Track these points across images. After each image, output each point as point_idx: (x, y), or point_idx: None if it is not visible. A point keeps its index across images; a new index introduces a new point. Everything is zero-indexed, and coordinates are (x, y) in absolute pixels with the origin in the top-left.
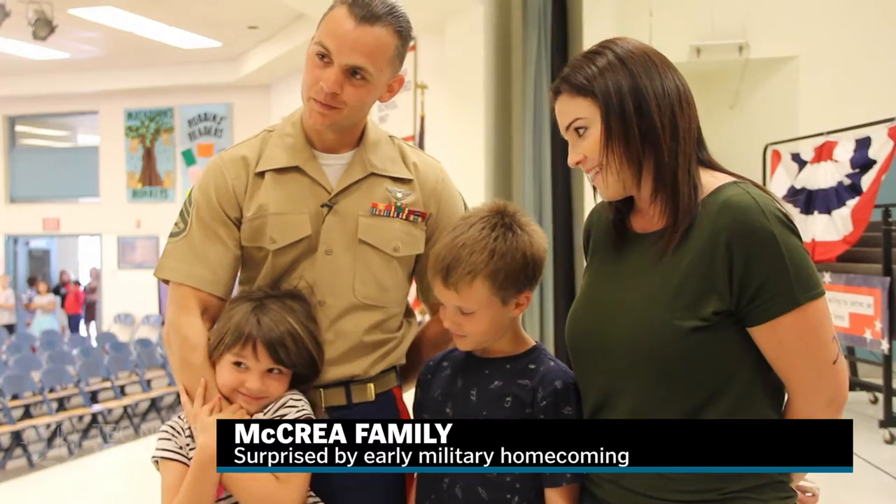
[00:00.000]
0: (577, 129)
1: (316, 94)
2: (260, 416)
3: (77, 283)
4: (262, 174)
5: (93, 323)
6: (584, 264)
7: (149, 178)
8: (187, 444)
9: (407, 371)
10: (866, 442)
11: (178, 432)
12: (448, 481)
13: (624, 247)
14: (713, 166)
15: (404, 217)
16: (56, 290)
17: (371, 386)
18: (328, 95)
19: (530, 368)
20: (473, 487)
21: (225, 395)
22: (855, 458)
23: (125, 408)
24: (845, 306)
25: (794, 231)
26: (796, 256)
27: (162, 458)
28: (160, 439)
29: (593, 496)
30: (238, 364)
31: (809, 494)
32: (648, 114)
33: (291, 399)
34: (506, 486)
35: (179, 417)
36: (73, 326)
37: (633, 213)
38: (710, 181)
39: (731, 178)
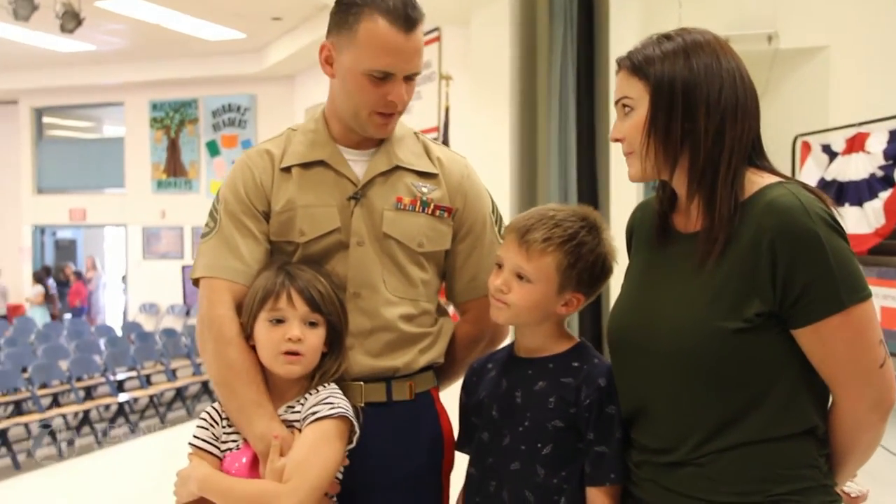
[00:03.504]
0: (624, 107)
1: (384, 108)
2: (300, 407)
3: (78, 275)
4: (288, 170)
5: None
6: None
7: (173, 168)
8: (224, 433)
9: (441, 371)
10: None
11: (216, 422)
12: (495, 484)
13: (666, 245)
14: (762, 167)
15: (430, 212)
16: (65, 282)
17: (411, 384)
18: (399, 105)
19: (574, 366)
20: (520, 490)
21: (267, 367)
22: (888, 455)
23: (151, 397)
24: (877, 300)
25: (841, 232)
26: (842, 258)
27: (196, 447)
28: (198, 426)
29: (633, 496)
30: (275, 322)
31: (856, 495)
32: (694, 115)
33: (332, 396)
34: (553, 489)
35: (218, 405)
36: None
37: (675, 211)
38: (755, 181)
39: (777, 179)
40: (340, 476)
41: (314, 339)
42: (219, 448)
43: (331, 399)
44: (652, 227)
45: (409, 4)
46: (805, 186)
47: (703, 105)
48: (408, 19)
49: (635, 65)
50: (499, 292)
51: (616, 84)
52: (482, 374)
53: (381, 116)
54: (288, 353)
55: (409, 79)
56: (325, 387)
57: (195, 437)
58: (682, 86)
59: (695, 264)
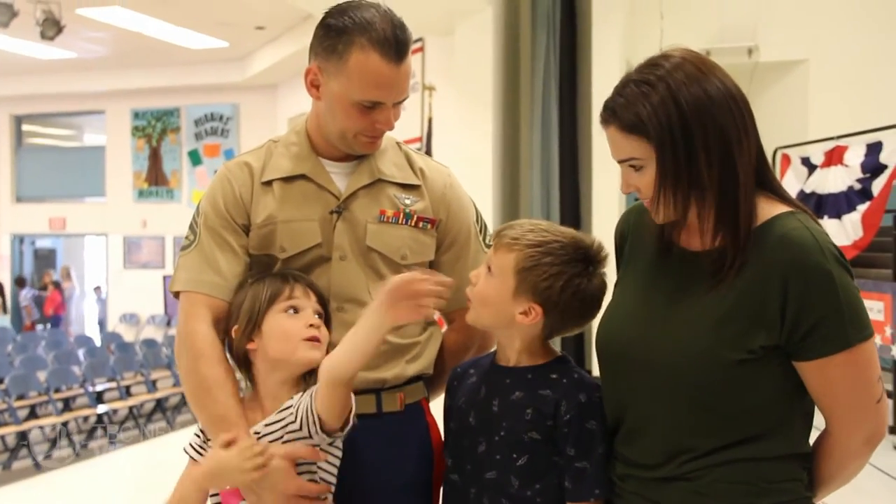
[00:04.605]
0: (631, 166)
1: (372, 132)
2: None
3: (56, 284)
4: (269, 183)
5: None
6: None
7: (155, 178)
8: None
9: (430, 381)
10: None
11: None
12: (475, 491)
13: (669, 260)
14: (771, 191)
15: (413, 224)
16: (45, 288)
17: (401, 396)
18: (387, 129)
19: (552, 378)
20: (498, 499)
21: (285, 361)
22: (868, 467)
23: (130, 408)
24: None
25: (849, 270)
26: (851, 297)
27: (189, 454)
28: (195, 434)
29: None
30: (293, 311)
31: None
32: (697, 163)
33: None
34: (526, 501)
35: None
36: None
37: (680, 227)
38: (764, 208)
39: (787, 208)
40: (334, 484)
41: (325, 331)
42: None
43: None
44: (652, 237)
45: (398, 27)
46: (812, 216)
47: (704, 147)
48: (398, 48)
49: (629, 125)
50: (469, 284)
51: (610, 141)
52: (463, 378)
53: (367, 137)
54: (310, 339)
55: (398, 103)
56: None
57: (190, 443)
58: (683, 135)
59: (703, 286)
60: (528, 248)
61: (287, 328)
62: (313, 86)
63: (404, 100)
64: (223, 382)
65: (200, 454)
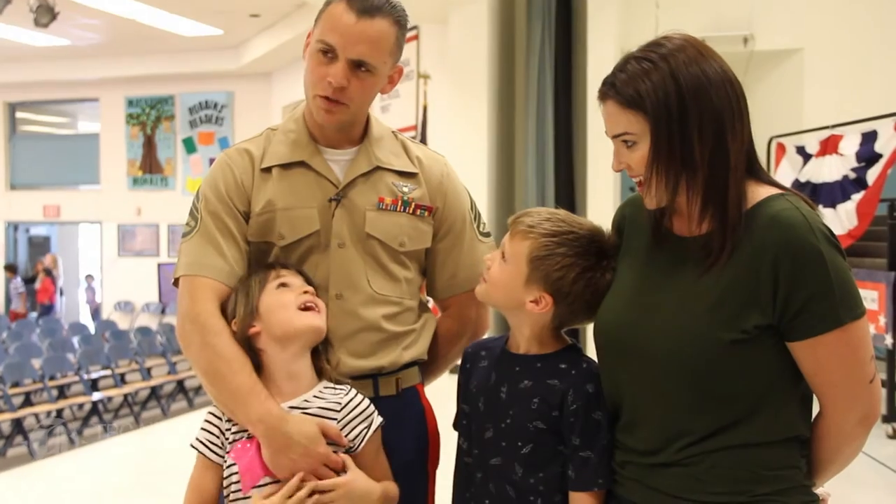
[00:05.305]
0: (625, 142)
1: (323, 90)
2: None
3: (48, 272)
4: (268, 170)
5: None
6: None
7: (149, 165)
8: (227, 430)
9: (424, 367)
10: (870, 437)
11: (220, 416)
12: (481, 476)
13: (662, 248)
14: (759, 177)
15: (411, 212)
16: (32, 279)
17: (397, 380)
18: (336, 90)
19: (561, 368)
20: (502, 485)
21: (285, 334)
22: (862, 456)
23: (125, 396)
24: None
25: (840, 249)
26: (842, 276)
27: (197, 450)
28: (202, 429)
29: (615, 495)
30: (283, 286)
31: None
32: (690, 141)
33: (357, 395)
34: (529, 489)
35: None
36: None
37: (671, 213)
38: (754, 191)
39: (777, 190)
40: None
41: (321, 302)
42: (221, 448)
43: (368, 408)
44: (646, 226)
45: None
46: (802, 198)
47: (699, 127)
48: (365, 6)
49: (628, 100)
50: (485, 267)
51: (607, 116)
52: (475, 360)
53: (324, 101)
54: (305, 305)
55: (358, 67)
56: (342, 387)
57: (198, 439)
58: (679, 113)
59: (696, 270)
60: (542, 237)
61: (282, 299)
62: (306, 49)
63: (362, 65)
64: (243, 356)
65: (216, 445)
